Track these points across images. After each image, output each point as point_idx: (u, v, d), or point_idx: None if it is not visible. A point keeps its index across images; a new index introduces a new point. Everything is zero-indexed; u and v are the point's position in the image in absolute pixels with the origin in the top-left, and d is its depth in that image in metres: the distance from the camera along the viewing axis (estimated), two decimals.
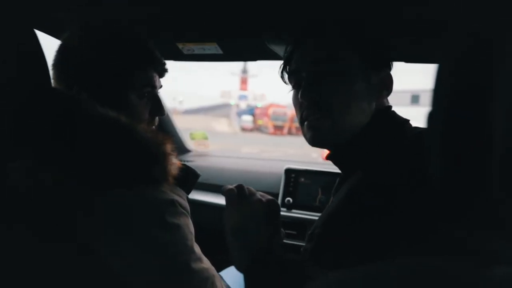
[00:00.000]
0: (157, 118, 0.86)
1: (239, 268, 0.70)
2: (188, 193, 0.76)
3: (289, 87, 0.85)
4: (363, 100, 0.75)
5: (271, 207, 0.72)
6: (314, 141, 0.78)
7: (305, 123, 0.78)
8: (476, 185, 0.26)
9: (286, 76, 0.86)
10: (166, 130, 1.81)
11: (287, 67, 0.84)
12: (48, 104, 0.59)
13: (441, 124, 0.28)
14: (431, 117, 0.30)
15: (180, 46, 1.12)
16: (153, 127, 0.84)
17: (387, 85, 0.79)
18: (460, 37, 0.27)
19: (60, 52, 0.77)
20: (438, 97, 0.29)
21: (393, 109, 0.79)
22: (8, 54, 0.54)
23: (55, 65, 0.76)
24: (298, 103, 0.78)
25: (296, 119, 0.83)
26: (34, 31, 0.59)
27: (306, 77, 0.76)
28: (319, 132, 0.75)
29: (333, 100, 0.74)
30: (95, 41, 0.76)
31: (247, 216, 0.69)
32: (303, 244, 0.74)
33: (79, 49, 0.75)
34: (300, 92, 0.75)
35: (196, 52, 1.14)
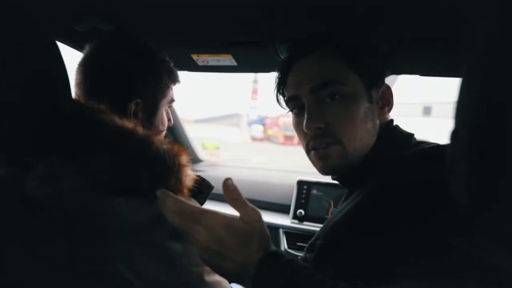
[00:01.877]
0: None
1: (242, 279, 0.61)
2: (202, 204, 0.76)
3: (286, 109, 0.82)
4: (369, 121, 0.73)
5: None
6: (325, 171, 0.76)
7: (312, 152, 0.76)
8: (505, 205, 0.26)
9: (281, 98, 0.83)
10: (178, 139, 1.82)
11: (282, 89, 0.82)
12: (68, 115, 0.59)
13: (467, 142, 0.27)
14: (455, 135, 0.30)
15: (194, 57, 1.13)
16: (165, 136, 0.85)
17: (388, 99, 0.78)
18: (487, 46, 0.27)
19: (85, 64, 0.78)
20: (464, 114, 0.28)
21: (405, 120, 0.78)
22: (31, 65, 0.55)
23: (80, 78, 0.77)
24: (302, 131, 0.75)
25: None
26: (56, 42, 0.60)
27: (308, 106, 0.74)
28: (329, 160, 0.73)
29: (340, 126, 0.72)
30: (130, 54, 0.78)
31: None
32: None
33: (109, 61, 0.76)
34: (304, 123, 0.72)
35: (210, 63, 1.16)
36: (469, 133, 0.27)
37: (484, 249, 0.48)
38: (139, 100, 0.77)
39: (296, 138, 0.83)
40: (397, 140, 0.74)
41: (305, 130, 0.73)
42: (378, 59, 0.78)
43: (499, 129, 0.25)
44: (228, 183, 0.57)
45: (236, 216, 0.57)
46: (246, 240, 0.56)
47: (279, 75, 0.82)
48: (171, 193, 0.57)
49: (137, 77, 0.77)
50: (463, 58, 0.30)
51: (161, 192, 0.57)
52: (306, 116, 0.73)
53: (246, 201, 0.58)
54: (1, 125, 0.54)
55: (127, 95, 0.76)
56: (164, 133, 0.85)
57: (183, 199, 0.58)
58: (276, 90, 0.84)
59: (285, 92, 0.82)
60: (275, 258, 0.57)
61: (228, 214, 0.57)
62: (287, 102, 0.81)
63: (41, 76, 0.56)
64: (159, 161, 0.64)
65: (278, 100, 0.85)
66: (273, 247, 0.60)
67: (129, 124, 0.66)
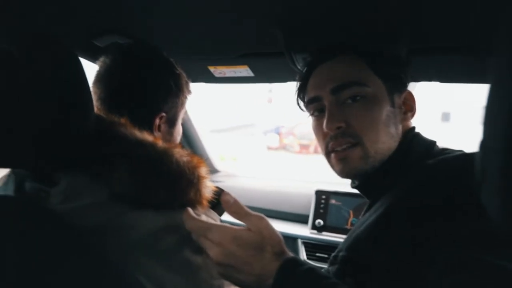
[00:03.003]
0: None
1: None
2: (221, 215, 0.76)
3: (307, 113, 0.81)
4: (391, 124, 0.72)
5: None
6: (345, 173, 0.74)
7: (332, 154, 0.74)
8: None
9: (302, 103, 0.83)
10: (196, 151, 1.83)
11: (303, 94, 0.81)
12: (90, 129, 0.60)
13: (498, 152, 0.27)
14: (484, 145, 0.29)
15: (211, 69, 1.14)
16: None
17: (410, 105, 0.77)
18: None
19: (106, 77, 0.77)
20: (493, 124, 0.28)
21: (423, 127, 0.77)
22: (54, 80, 0.57)
23: (101, 92, 0.77)
24: (322, 132, 0.74)
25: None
26: (78, 57, 0.61)
27: (328, 106, 0.73)
28: (349, 162, 0.72)
29: (361, 126, 0.70)
30: (152, 68, 0.78)
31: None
32: None
33: (132, 75, 0.76)
34: (324, 122, 0.71)
35: (227, 75, 1.16)
36: (499, 144, 0.26)
37: (499, 256, 0.46)
38: (163, 114, 0.78)
39: (312, 147, 0.82)
40: (421, 147, 0.72)
41: (325, 129, 0.71)
42: (400, 66, 0.76)
43: None
44: (226, 198, 0.58)
45: (244, 227, 0.57)
46: (257, 250, 0.55)
47: (300, 80, 0.82)
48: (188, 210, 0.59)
49: (162, 91, 0.78)
50: (490, 64, 0.29)
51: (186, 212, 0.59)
52: (326, 115, 0.72)
53: (249, 211, 0.57)
54: (26, 141, 0.55)
55: (154, 109, 0.77)
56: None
57: (194, 215, 0.59)
58: (296, 95, 0.83)
59: (305, 97, 0.81)
60: (293, 267, 0.55)
61: (236, 227, 0.57)
62: (307, 105, 0.80)
63: (65, 91, 0.57)
64: (179, 173, 0.64)
65: (298, 104, 0.84)
66: (290, 253, 0.59)
67: (148, 137, 0.67)
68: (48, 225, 0.54)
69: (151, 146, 0.65)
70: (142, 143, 0.65)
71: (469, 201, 0.47)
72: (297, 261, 0.57)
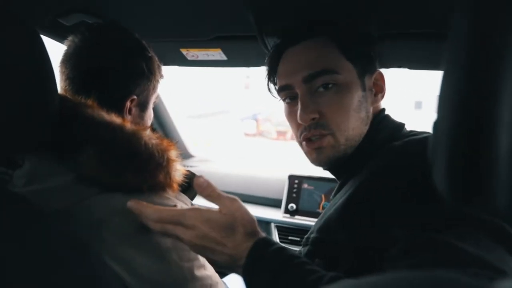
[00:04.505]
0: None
1: (236, 271, 0.60)
2: (192, 199, 0.76)
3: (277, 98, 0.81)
4: (362, 109, 0.73)
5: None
6: (318, 162, 0.76)
7: (304, 143, 0.75)
8: (482, 195, 0.26)
9: (272, 87, 0.82)
10: (168, 134, 1.81)
11: (273, 78, 0.81)
12: (54, 110, 0.59)
13: (447, 133, 0.28)
14: (436, 126, 0.30)
15: (184, 52, 1.13)
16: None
17: (381, 86, 0.77)
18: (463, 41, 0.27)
19: (74, 58, 0.74)
20: (445, 106, 0.29)
21: (394, 114, 0.77)
22: (15, 60, 0.55)
23: (69, 72, 0.74)
24: (295, 121, 0.74)
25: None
26: (41, 36, 0.59)
27: (301, 96, 0.72)
28: (323, 151, 0.73)
29: (333, 116, 0.71)
30: (124, 50, 0.76)
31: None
32: None
33: (102, 56, 0.74)
34: (298, 113, 0.71)
35: (200, 58, 1.15)
36: (447, 125, 0.27)
37: (471, 242, 0.48)
38: (135, 97, 0.77)
39: (289, 134, 0.83)
40: (389, 129, 0.74)
41: (299, 121, 0.72)
42: (370, 45, 0.76)
43: (478, 122, 0.25)
44: (200, 181, 0.58)
45: (216, 209, 0.58)
46: (228, 231, 0.57)
47: (269, 63, 0.81)
48: (145, 203, 0.58)
49: (134, 74, 0.76)
50: (444, 49, 0.30)
51: (133, 202, 0.58)
52: (299, 106, 0.72)
53: (222, 193, 0.58)
54: None
55: (125, 91, 0.75)
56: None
57: (153, 206, 0.59)
58: (267, 79, 0.83)
59: (276, 81, 0.80)
60: (264, 247, 0.57)
61: (208, 208, 0.58)
62: (279, 92, 0.79)
63: (26, 72, 0.55)
64: (148, 155, 0.64)
65: (269, 89, 0.84)
66: (262, 234, 0.60)
67: (116, 119, 0.66)
68: (10, 207, 0.53)
69: (119, 128, 0.64)
70: (110, 125, 0.63)
71: (432, 183, 0.49)
72: (268, 241, 0.58)
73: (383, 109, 0.78)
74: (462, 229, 0.50)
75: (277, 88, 0.80)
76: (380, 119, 0.75)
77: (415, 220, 0.54)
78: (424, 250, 0.50)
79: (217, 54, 1.10)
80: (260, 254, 0.56)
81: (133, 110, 0.78)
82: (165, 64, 0.93)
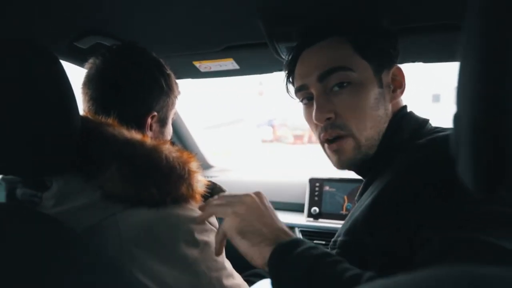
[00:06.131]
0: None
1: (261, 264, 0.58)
2: None
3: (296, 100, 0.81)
4: (380, 107, 0.71)
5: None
6: (341, 165, 0.75)
7: (326, 145, 0.75)
8: (506, 184, 0.25)
9: (291, 89, 0.82)
10: (187, 147, 1.83)
11: (291, 80, 0.81)
12: (77, 132, 0.60)
13: (468, 124, 0.27)
14: (457, 118, 0.30)
15: (197, 64, 1.14)
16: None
17: (399, 81, 0.76)
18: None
19: (94, 80, 0.77)
20: (463, 98, 0.28)
21: (412, 108, 0.75)
22: (38, 86, 0.57)
23: (91, 94, 0.77)
24: (313, 122, 0.74)
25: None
26: (60, 61, 0.61)
27: (316, 96, 0.72)
28: (344, 154, 0.72)
29: (349, 115, 0.70)
30: (142, 68, 0.78)
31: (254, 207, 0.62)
32: None
33: (122, 76, 0.76)
34: (313, 114, 0.71)
35: (213, 69, 1.16)
36: (469, 115, 0.27)
37: (509, 240, 0.47)
38: (155, 113, 0.79)
39: (306, 137, 0.83)
40: (411, 126, 0.72)
41: (314, 121, 0.72)
42: (386, 40, 0.75)
43: (499, 112, 0.25)
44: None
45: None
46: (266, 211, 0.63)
47: (287, 66, 0.81)
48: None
49: (154, 91, 0.78)
50: (458, 40, 0.30)
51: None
52: (315, 106, 0.72)
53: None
54: (15, 148, 0.55)
55: (145, 108, 0.77)
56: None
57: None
58: (285, 81, 0.83)
59: (294, 82, 0.81)
60: (297, 245, 0.56)
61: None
62: (296, 93, 0.80)
63: (49, 96, 0.57)
64: (169, 169, 0.65)
65: (288, 91, 0.84)
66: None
67: (137, 135, 0.67)
68: (43, 228, 0.54)
69: (140, 144, 0.65)
70: (131, 142, 0.65)
71: (461, 181, 0.47)
72: (301, 240, 0.58)
73: (405, 106, 0.76)
74: (498, 227, 0.49)
75: (294, 89, 0.80)
76: (402, 116, 0.74)
77: (448, 220, 0.52)
78: (464, 250, 0.48)
79: (229, 63, 1.11)
80: (291, 250, 0.56)
81: (154, 126, 0.79)
82: (179, 78, 0.94)
